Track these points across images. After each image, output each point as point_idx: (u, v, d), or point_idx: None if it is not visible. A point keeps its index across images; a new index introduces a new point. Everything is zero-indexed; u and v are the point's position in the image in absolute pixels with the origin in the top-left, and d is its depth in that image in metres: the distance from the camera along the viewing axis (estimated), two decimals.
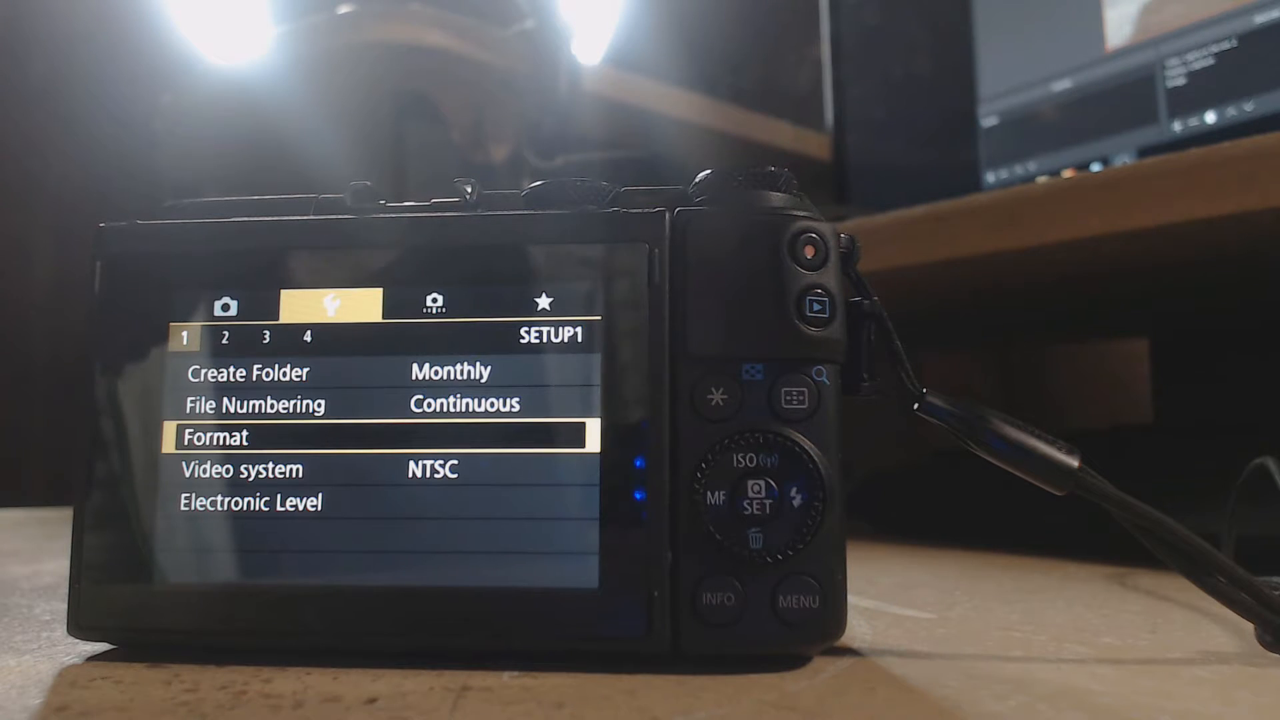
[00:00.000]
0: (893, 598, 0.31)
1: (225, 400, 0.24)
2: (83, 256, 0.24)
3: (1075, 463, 0.23)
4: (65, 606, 0.23)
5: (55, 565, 0.39)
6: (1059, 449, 0.23)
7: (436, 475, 0.23)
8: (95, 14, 0.94)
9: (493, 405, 0.23)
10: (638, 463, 0.22)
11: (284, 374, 0.23)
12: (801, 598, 0.22)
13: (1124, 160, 0.53)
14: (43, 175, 0.92)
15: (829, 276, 0.23)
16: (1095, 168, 0.54)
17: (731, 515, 0.22)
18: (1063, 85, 0.56)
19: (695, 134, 0.74)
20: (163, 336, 0.24)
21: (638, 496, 0.22)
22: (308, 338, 0.24)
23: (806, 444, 0.22)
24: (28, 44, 0.92)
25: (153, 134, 0.78)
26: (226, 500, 0.23)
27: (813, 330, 0.22)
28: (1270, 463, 0.31)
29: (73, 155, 0.92)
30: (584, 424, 0.22)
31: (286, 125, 0.64)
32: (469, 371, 0.23)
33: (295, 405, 0.23)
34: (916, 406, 0.24)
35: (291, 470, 0.23)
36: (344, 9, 0.63)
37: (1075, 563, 0.38)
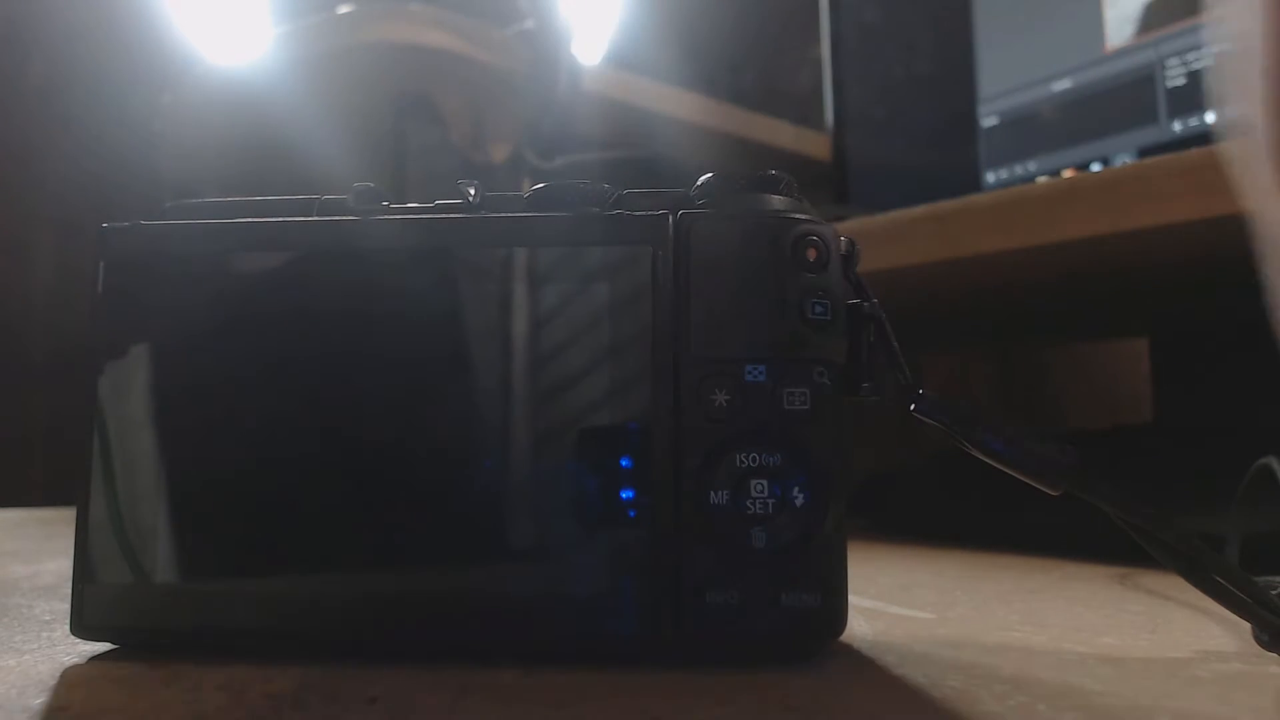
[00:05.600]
0: (893, 598, 0.31)
1: (227, 400, 0.24)
2: (83, 256, 0.24)
3: (1070, 463, 0.23)
4: (65, 606, 0.23)
5: (55, 565, 0.39)
6: (1054, 449, 0.23)
7: (439, 475, 0.23)
8: (95, 13, 0.94)
9: (495, 406, 0.23)
10: (635, 463, 0.22)
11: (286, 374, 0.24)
12: (804, 596, 0.22)
13: (1124, 160, 0.53)
14: (42, 175, 0.92)
15: (830, 279, 0.23)
16: (1095, 168, 0.54)
17: (734, 514, 0.22)
18: (1063, 85, 0.56)
19: (695, 134, 0.74)
20: (165, 337, 0.24)
21: (633, 496, 0.22)
22: (310, 338, 0.24)
23: (808, 444, 0.22)
24: (28, 43, 0.92)
25: (153, 134, 0.78)
26: (229, 500, 0.23)
27: (814, 332, 0.22)
28: (1274, 463, 0.31)
29: (73, 155, 0.92)
30: (587, 424, 0.23)
31: (286, 125, 0.64)
32: (471, 373, 0.23)
33: (297, 405, 0.23)
34: (913, 407, 0.24)
35: (294, 470, 0.23)
36: (344, 9, 0.63)
37: (1075, 563, 0.38)
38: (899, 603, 0.30)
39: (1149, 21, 0.52)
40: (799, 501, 0.22)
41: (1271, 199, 0.20)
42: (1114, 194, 0.36)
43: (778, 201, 0.23)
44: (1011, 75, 0.59)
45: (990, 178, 0.60)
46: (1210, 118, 0.49)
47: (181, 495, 0.23)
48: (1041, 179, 0.57)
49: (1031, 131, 0.58)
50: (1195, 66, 0.50)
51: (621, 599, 0.22)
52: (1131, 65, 0.53)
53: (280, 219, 0.24)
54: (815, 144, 0.78)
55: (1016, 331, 0.77)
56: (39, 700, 0.20)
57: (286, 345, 0.24)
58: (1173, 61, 0.51)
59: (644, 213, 0.23)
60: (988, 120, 0.60)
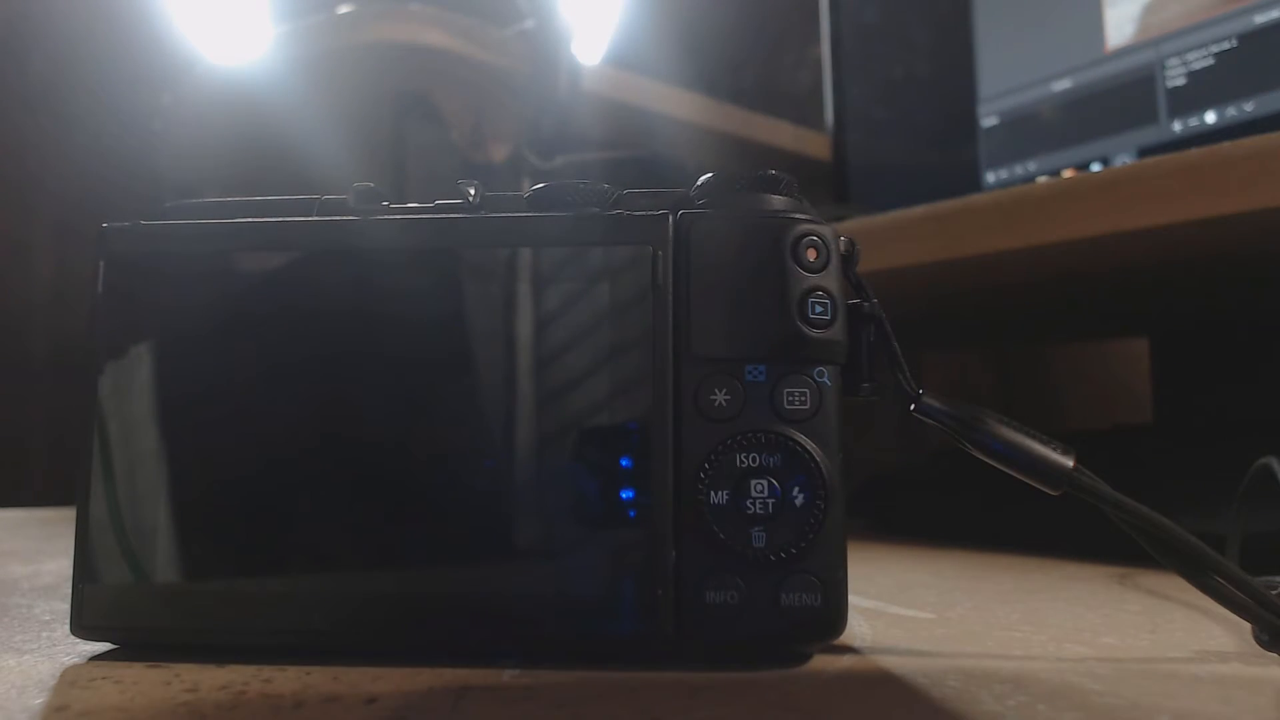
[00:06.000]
0: (893, 598, 0.31)
1: (227, 400, 0.24)
2: (83, 256, 0.24)
3: (1070, 463, 0.23)
4: (65, 606, 0.23)
5: (55, 565, 0.39)
6: (1054, 449, 0.23)
7: (440, 475, 0.23)
8: (95, 14, 0.94)
9: (495, 406, 0.23)
10: (635, 463, 0.22)
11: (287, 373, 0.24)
12: (803, 595, 0.22)
13: (1124, 160, 0.53)
14: (43, 175, 0.92)
15: (830, 279, 0.23)
16: (1095, 168, 0.54)
17: (734, 514, 0.22)
18: (1063, 85, 0.56)
19: (695, 134, 0.74)
20: (165, 337, 0.24)
21: (633, 496, 0.22)
22: (311, 338, 0.24)
23: (808, 444, 0.22)
24: (28, 44, 0.92)
25: (153, 134, 0.78)
26: (229, 500, 0.23)
27: (814, 332, 0.22)
28: (1274, 463, 0.31)
29: (73, 155, 0.92)
30: (587, 425, 0.23)
31: (287, 125, 0.64)
32: (472, 373, 0.23)
33: (298, 405, 0.23)
34: (913, 408, 0.24)
35: (293, 470, 0.23)
36: (344, 9, 0.63)
37: (1075, 563, 0.38)
38: (899, 603, 0.30)
39: (1149, 21, 0.52)
40: (799, 501, 0.22)
41: None
42: (1114, 194, 0.36)
43: (778, 201, 0.23)
44: (1011, 75, 0.59)
45: (990, 178, 0.60)
46: (1210, 118, 0.49)
47: (182, 495, 0.23)
48: (1041, 179, 0.57)
49: (1031, 131, 0.58)
50: (1195, 66, 0.50)
51: (621, 599, 0.22)
52: (1131, 65, 0.53)
53: (281, 219, 0.24)
54: (815, 144, 0.78)
55: (1016, 331, 0.77)
56: (39, 700, 0.20)
57: (286, 345, 0.24)
58: (1173, 61, 0.51)
59: (644, 213, 0.23)
60: (988, 120, 0.60)
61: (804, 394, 0.22)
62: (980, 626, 0.27)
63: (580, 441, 0.22)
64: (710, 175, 0.24)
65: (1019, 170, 0.59)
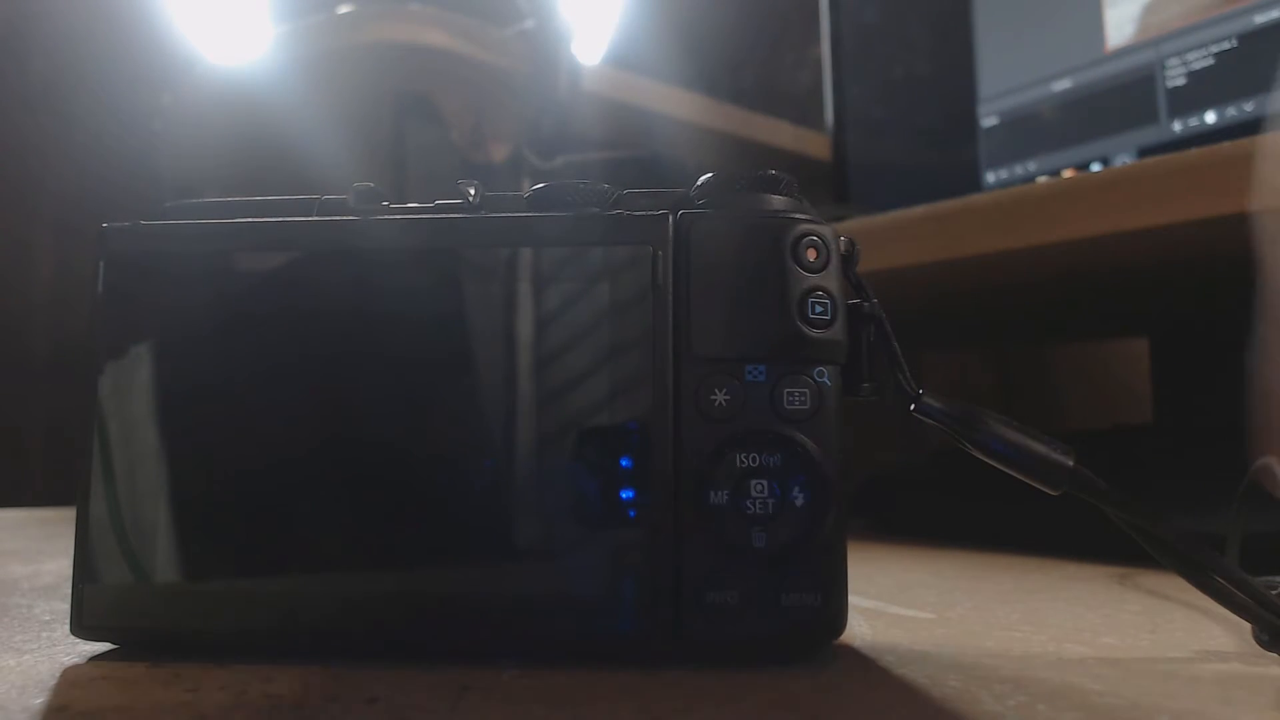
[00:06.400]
0: (893, 598, 0.31)
1: (227, 399, 0.24)
2: (83, 256, 0.24)
3: (1070, 462, 0.23)
4: (65, 606, 0.23)
5: (55, 565, 0.39)
6: (1054, 449, 0.23)
7: (440, 475, 0.23)
8: (95, 14, 0.94)
9: (495, 405, 0.23)
10: (635, 463, 0.22)
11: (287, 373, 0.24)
12: (804, 595, 0.22)
13: (1124, 160, 0.53)
14: (43, 175, 0.92)
15: (830, 279, 0.23)
16: (1095, 168, 0.54)
17: (735, 514, 0.22)
18: (1063, 85, 0.56)
19: (695, 134, 0.74)
20: (165, 337, 0.24)
21: (633, 496, 0.22)
22: (311, 338, 0.24)
23: (808, 444, 0.22)
24: (28, 44, 0.92)
25: (153, 134, 0.78)
26: (229, 500, 0.23)
27: (814, 332, 0.22)
28: (1274, 463, 0.31)
29: (73, 155, 0.92)
30: (587, 424, 0.23)
31: (287, 125, 0.64)
32: (471, 373, 0.23)
33: (297, 405, 0.23)
34: (913, 407, 0.24)
35: (293, 470, 0.23)
36: (344, 9, 0.63)
37: (1075, 563, 0.38)
38: (899, 603, 0.30)
39: (1149, 21, 0.52)
40: (799, 501, 0.22)
41: None
42: (1114, 194, 0.36)
43: (778, 201, 0.23)
44: (1011, 75, 0.59)
45: (990, 178, 0.60)
46: (1210, 118, 0.49)
47: (182, 495, 0.23)
48: (1041, 179, 0.57)
49: (1031, 131, 0.58)
50: (1195, 66, 0.50)
51: (621, 599, 0.22)
52: (1131, 65, 0.53)
53: (281, 219, 0.24)
54: (815, 144, 0.78)
55: (1016, 331, 0.77)
56: (39, 700, 0.20)
57: (286, 345, 0.24)
58: (1173, 61, 0.51)
59: (644, 213, 0.23)
60: (988, 120, 0.60)
61: (804, 394, 0.22)
62: (980, 626, 0.27)
63: (580, 441, 0.22)
64: (710, 175, 0.24)
65: (1019, 170, 0.59)
